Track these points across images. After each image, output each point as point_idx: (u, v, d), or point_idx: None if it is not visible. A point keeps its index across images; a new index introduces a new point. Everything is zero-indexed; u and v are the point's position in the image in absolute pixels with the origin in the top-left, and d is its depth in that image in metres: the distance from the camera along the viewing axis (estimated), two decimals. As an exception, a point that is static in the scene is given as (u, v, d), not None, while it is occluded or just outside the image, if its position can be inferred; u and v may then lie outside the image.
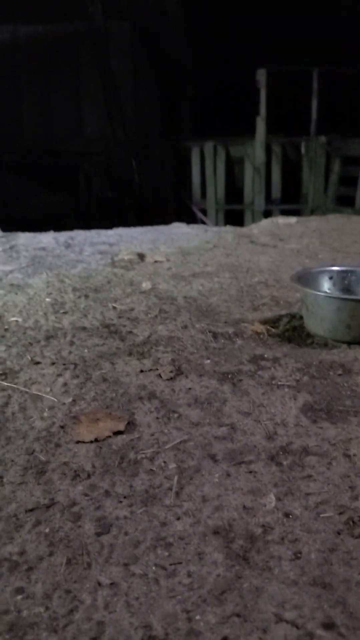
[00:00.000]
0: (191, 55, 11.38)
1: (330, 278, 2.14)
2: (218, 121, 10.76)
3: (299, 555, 1.04)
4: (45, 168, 9.32)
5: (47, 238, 3.49)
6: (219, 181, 9.86)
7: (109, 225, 4.05)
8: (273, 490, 1.21)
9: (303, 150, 9.47)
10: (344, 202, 9.24)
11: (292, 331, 2.04)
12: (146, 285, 2.51)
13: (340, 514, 1.13)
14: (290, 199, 9.71)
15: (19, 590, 0.99)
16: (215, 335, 1.99)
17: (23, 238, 3.49)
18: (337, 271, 2.15)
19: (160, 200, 10.03)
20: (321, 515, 1.13)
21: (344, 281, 2.13)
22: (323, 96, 9.42)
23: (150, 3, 9.67)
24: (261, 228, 3.88)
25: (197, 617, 0.92)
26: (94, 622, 0.92)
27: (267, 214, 9.30)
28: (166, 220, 5.26)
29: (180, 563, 1.03)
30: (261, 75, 9.32)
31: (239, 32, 11.97)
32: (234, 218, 9.47)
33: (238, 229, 3.95)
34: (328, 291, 2.10)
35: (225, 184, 9.84)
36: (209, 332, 2.02)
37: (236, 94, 10.82)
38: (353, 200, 9.07)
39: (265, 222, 4.07)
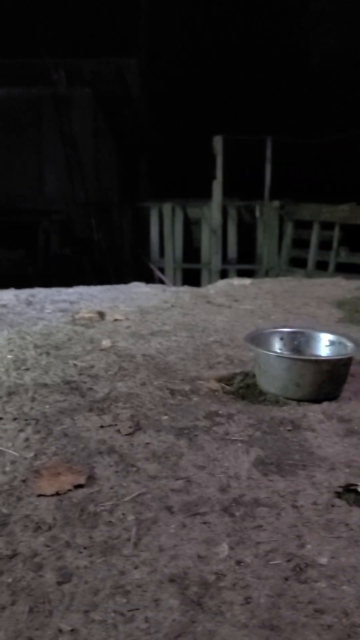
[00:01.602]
0: (150, 120, 11.82)
1: (281, 339, 2.26)
2: (176, 184, 11.10)
3: (249, 600, 1.11)
4: (4, 225, 9.42)
5: (7, 295, 3.56)
6: (177, 241, 10.12)
7: (67, 283, 4.13)
8: (226, 539, 1.28)
9: (257, 213, 9.83)
10: (296, 264, 9.57)
11: (245, 389, 2.14)
12: (106, 343, 2.59)
13: (288, 561, 1.21)
14: (245, 259, 10.01)
15: (-18, 638, 1.02)
16: (172, 392, 2.08)
17: (-17, 295, 3.55)
18: (288, 332, 2.28)
19: (118, 258, 10.22)
20: (270, 563, 1.21)
21: (293, 342, 2.25)
22: (276, 162, 9.86)
23: (112, 71, 10.07)
24: (217, 289, 4.03)
25: (154, 660, 0.98)
26: (55, 666, 0.96)
27: (223, 273, 9.56)
28: (125, 279, 5.38)
29: (138, 609, 1.08)
30: (217, 141, 9.73)
31: (197, 100, 12.51)
32: (192, 277, 9.69)
33: (195, 289, 4.09)
34: (279, 351, 2.22)
35: (183, 244, 10.10)
36: (167, 389, 2.10)
37: (194, 157, 11.22)
38: (305, 262, 9.41)
39: (221, 283, 4.22)
